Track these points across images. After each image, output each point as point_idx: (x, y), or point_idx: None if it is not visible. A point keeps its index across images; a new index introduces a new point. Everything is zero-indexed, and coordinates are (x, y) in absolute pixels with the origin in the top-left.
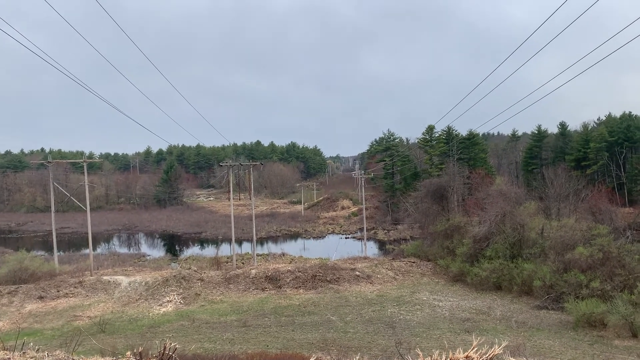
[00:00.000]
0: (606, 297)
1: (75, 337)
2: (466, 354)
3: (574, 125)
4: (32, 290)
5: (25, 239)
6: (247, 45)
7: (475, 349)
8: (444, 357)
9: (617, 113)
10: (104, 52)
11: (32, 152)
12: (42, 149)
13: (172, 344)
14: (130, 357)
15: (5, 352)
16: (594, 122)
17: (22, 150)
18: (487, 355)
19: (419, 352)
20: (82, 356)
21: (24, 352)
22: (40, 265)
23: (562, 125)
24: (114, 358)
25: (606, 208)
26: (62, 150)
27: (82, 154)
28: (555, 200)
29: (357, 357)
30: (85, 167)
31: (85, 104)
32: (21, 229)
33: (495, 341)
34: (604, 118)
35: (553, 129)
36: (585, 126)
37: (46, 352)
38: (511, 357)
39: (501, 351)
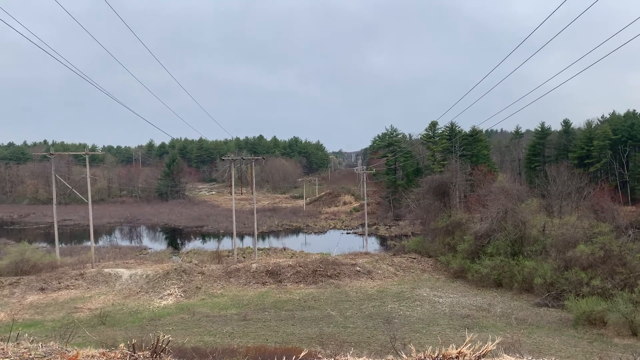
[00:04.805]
0: (607, 296)
1: (70, 329)
2: (459, 349)
3: (578, 123)
4: (34, 282)
5: (27, 231)
6: (252, 40)
7: (469, 344)
8: (436, 353)
9: (622, 111)
10: (108, 46)
11: (34, 144)
12: (45, 141)
13: (166, 337)
14: (123, 349)
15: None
16: (598, 120)
17: (24, 142)
18: (480, 351)
19: (412, 348)
20: (76, 347)
21: (18, 343)
22: (42, 257)
23: (566, 123)
24: (108, 349)
25: (608, 206)
26: (65, 143)
27: (84, 146)
28: (557, 198)
29: (352, 352)
30: (87, 160)
31: (89, 97)
32: (23, 220)
33: (489, 337)
34: (608, 116)
35: (557, 126)
36: (589, 124)
37: (40, 343)
38: (505, 353)
39: (495, 347)
